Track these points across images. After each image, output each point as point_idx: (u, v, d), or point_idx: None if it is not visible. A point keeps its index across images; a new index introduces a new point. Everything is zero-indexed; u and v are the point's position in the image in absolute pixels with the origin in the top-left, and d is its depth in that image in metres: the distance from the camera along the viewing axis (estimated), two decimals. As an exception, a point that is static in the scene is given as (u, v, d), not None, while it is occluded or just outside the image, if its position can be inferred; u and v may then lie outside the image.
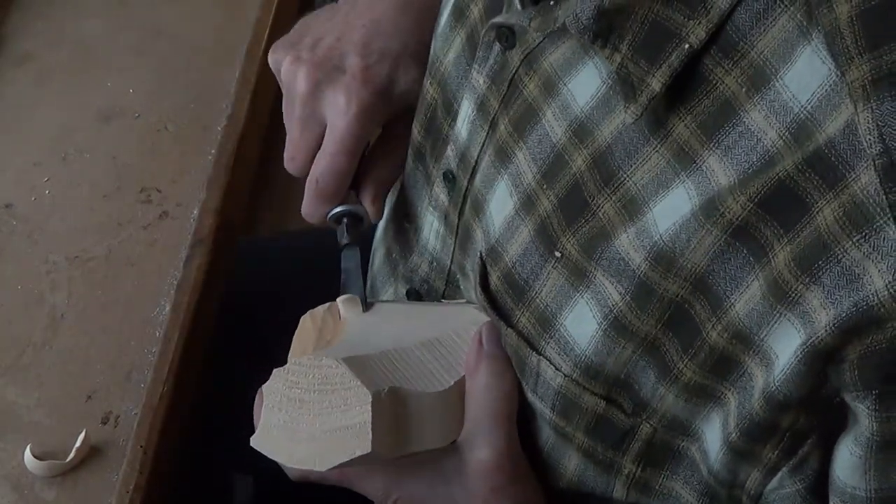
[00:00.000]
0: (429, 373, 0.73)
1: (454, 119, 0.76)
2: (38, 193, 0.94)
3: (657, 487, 0.70)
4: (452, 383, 0.72)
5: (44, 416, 0.83)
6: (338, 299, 0.81)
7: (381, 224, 0.91)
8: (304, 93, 0.82)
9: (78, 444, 0.80)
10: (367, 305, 0.81)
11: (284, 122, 0.85)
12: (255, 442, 0.71)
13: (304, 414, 0.70)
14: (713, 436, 0.66)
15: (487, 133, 0.73)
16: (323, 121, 0.82)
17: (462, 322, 0.75)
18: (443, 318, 0.77)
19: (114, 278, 0.90)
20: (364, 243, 0.85)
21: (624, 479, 0.70)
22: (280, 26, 1.04)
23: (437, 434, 0.72)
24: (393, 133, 0.85)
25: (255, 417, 0.74)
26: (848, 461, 0.61)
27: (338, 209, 0.84)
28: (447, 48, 0.78)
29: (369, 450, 0.67)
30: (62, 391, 0.84)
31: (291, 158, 0.84)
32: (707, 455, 0.66)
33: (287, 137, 0.84)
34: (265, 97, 0.93)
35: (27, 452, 0.80)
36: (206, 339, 0.91)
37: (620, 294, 0.64)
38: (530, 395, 0.71)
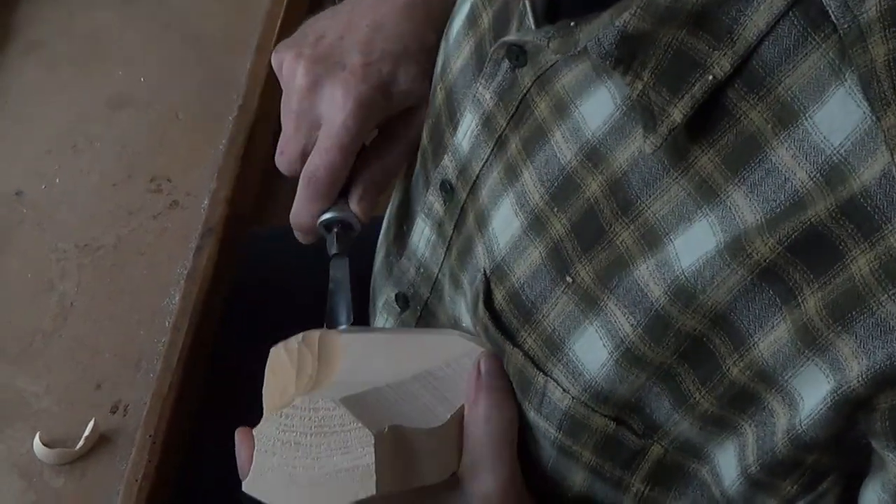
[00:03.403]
0: (424, 408, 0.72)
1: (455, 128, 0.76)
2: (47, 182, 0.94)
3: None
4: (448, 417, 0.72)
5: (53, 404, 0.83)
6: (313, 331, 0.79)
7: (384, 224, 0.91)
8: (303, 87, 0.81)
9: (87, 432, 0.80)
10: (351, 316, 0.80)
11: (281, 117, 0.84)
12: (247, 487, 0.71)
13: (301, 457, 0.69)
14: (726, 461, 0.65)
15: (493, 150, 0.72)
16: (319, 117, 0.81)
17: (452, 353, 0.75)
18: (430, 348, 0.76)
19: (123, 267, 0.90)
20: (354, 253, 0.84)
21: (632, 496, 0.70)
22: (291, 18, 1.04)
23: (437, 468, 0.71)
24: (390, 133, 0.84)
25: (238, 460, 0.72)
26: None
27: (328, 215, 0.82)
28: (458, 54, 0.78)
29: (374, 492, 0.67)
30: (71, 379, 0.84)
31: (282, 153, 0.83)
32: (720, 479, 0.66)
33: (281, 133, 0.83)
34: (276, 89, 0.93)
35: (36, 440, 0.80)
36: (215, 328, 0.91)
37: (633, 326, 0.63)
38: (533, 415, 0.70)
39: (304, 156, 0.82)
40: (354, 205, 0.83)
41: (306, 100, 0.81)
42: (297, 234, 0.84)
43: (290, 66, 0.82)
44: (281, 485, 0.70)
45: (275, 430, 0.70)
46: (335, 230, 0.83)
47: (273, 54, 0.86)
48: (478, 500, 0.71)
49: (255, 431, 0.71)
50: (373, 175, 0.83)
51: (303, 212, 0.82)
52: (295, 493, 0.69)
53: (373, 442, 0.67)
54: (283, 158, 0.83)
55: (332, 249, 0.83)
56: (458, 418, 0.72)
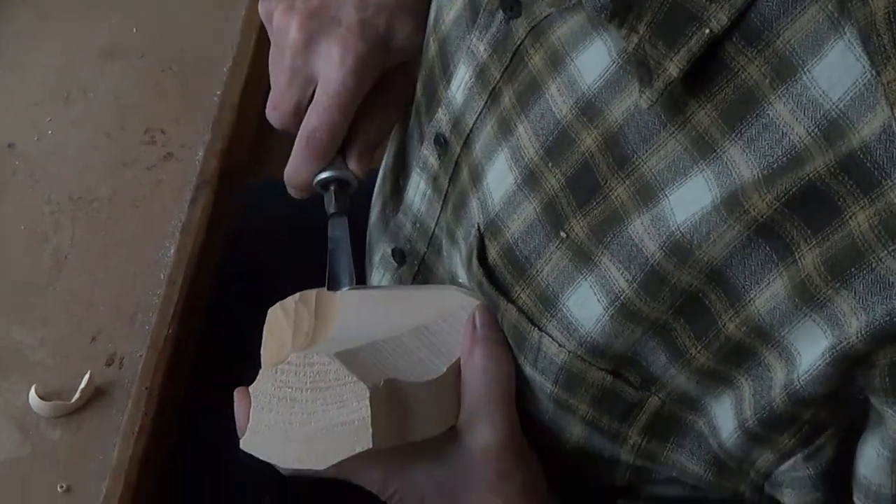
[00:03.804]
0: (420, 361, 0.72)
1: (449, 81, 0.75)
2: (40, 133, 0.94)
3: (662, 459, 0.70)
4: (445, 370, 0.72)
5: (48, 356, 0.82)
6: (310, 291, 0.79)
7: (379, 178, 0.90)
8: (297, 43, 0.80)
9: (82, 385, 0.80)
10: (353, 277, 0.79)
11: (270, 70, 0.83)
12: (245, 444, 0.71)
13: (297, 413, 0.69)
14: (723, 414, 0.65)
15: (486, 102, 0.71)
16: (314, 74, 0.80)
17: (447, 307, 0.75)
18: (426, 303, 0.76)
19: (118, 220, 0.89)
20: (352, 212, 0.83)
21: (630, 447, 0.70)
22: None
23: (434, 422, 0.71)
24: (386, 87, 0.83)
25: (237, 420, 0.73)
26: (874, 461, 0.61)
27: (325, 174, 0.81)
28: (450, 5, 0.77)
29: (370, 445, 0.67)
30: (66, 332, 0.84)
31: (274, 108, 0.82)
32: (717, 432, 0.66)
33: (272, 86, 0.82)
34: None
35: (32, 393, 0.80)
36: (211, 281, 0.90)
37: (628, 281, 0.63)
38: (529, 369, 0.70)
39: (297, 111, 0.81)
40: (353, 163, 0.82)
41: (300, 56, 0.80)
42: (291, 191, 0.83)
43: (282, 20, 0.81)
44: (278, 441, 0.70)
45: (270, 386, 0.70)
46: (332, 188, 0.82)
47: (260, 3, 0.84)
48: (476, 453, 0.71)
49: (251, 389, 0.71)
50: (370, 132, 0.82)
51: (300, 171, 0.81)
52: (292, 448, 0.69)
53: (368, 395, 0.67)
54: (276, 113, 0.82)
55: (331, 208, 0.82)
56: (455, 371, 0.72)
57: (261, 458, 0.71)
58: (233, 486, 0.90)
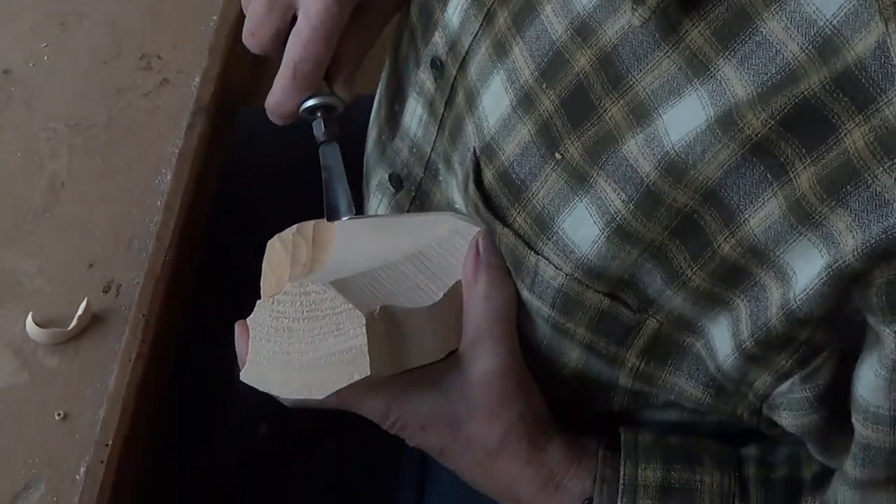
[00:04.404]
0: (416, 287, 0.72)
1: (445, 4, 0.74)
2: (36, 59, 0.93)
3: (660, 382, 0.70)
4: (441, 295, 0.71)
5: (45, 283, 0.82)
6: (308, 222, 0.78)
7: (375, 104, 0.89)
8: None
9: (80, 312, 0.80)
10: (351, 205, 0.78)
11: None
12: (244, 376, 0.71)
13: (295, 343, 0.69)
14: (720, 336, 0.65)
15: (482, 24, 0.71)
16: (295, 0, 0.78)
17: (442, 232, 0.74)
18: (420, 229, 0.76)
19: (114, 146, 0.89)
20: (343, 139, 0.81)
21: (627, 371, 0.70)
22: None
23: (433, 348, 0.71)
24: (368, 6, 0.81)
25: (238, 352, 0.73)
26: (872, 382, 0.61)
27: (311, 101, 0.79)
28: None
29: (368, 373, 0.67)
30: (63, 259, 0.83)
31: (252, 34, 0.80)
32: (714, 353, 0.66)
33: (249, 10, 0.80)
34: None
35: (29, 320, 0.80)
36: (208, 208, 0.90)
37: (623, 201, 0.63)
38: (526, 293, 0.70)
39: (277, 37, 0.79)
40: (339, 88, 0.80)
41: None
42: (274, 118, 0.81)
43: None
44: (277, 372, 0.70)
45: (268, 317, 0.70)
46: (319, 114, 0.80)
47: None
48: (477, 379, 0.72)
49: (248, 321, 0.70)
50: (353, 55, 0.81)
51: (286, 100, 0.79)
52: (291, 379, 0.69)
53: (364, 322, 0.67)
54: (255, 41, 0.80)
55: (321, 137, 0.80)
56: (452, 297, 0.72)
57: (260, 389, 0.71)
58: (230, 413, 0.90)
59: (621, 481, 0.72)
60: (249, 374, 0.71)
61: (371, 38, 0.82)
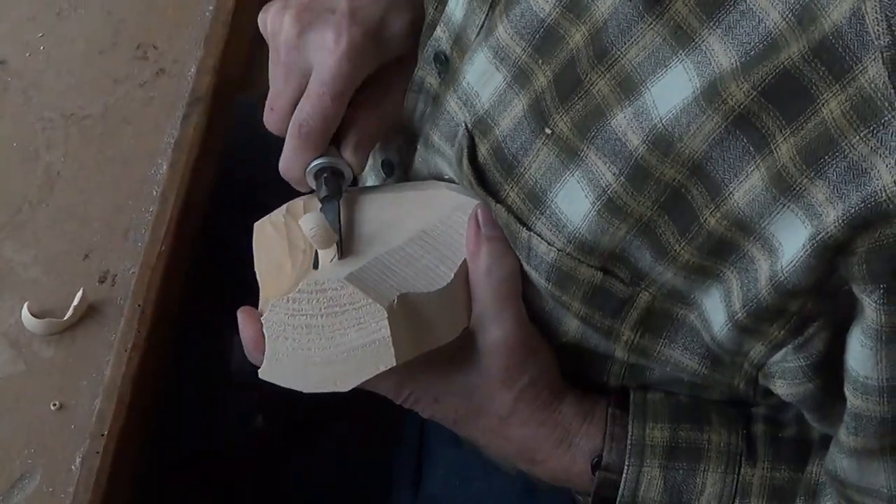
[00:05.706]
0: (426, 269, 0.72)
1: (440, 2, 0.74)
2: (32, 49, 0.93)
3: (656, 354, 0.71)
4: (452, 276, 0.72)
5: (41, 273, 0.82)
6: (296, 201, 0.77)
7: None
8: (291, 36, 0.76)
9: (75, 302, 0.80)
10: (342, 253, 0.75)
11: (269, 76, 0.78)
12: (264, 374, 0.71)
13: (315, 339, 0.69)
14: (713, 307, 0.66)
15: (487, 14, 0.71)
16: (308, 65, 0.76)
17: (444, 208, 0.74)
18: (420, 205, 0.76)
19: (110, 136, 0.89)
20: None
21: (623, 343, 0.71)
22: None
23: (449, 327, 0.72)
24: (382, 82, 0.79)
25: (243, 338, 0.72)
26: (860, 352, 0.62)
27: (318, 161, 0.77)
28: None
29: (394, 363, 0.68)
30: (59, 249, 0.83)
31: (271, 109, 0.78)
32: (709, 325, 0.67)
33: (270, 81, 0.78)
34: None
35: (24, 310, 0.80)
36: (203, 198, 0.90)
37: (614, 175, 0.63)
38: (525, 266, 0.71)
39: (293, 110, 0.77)
40: (349, 155, 0.78)
41: (294, 49, 0.76)
42: (289, 180, 0.79)
43: (276, 18, 0.77)
44: (298, 367, 0.70)
45: (284, 315, 0.70)
46: (324, 176, 0.77)
47: (259, 15, 0.80)
48: (487, 350, 0.73)
49: (263, 320, 0.70)
50: (367, 125, 0.78)
51: (293, 163, 0.77)
52: (313, 373, 0.70)
53: (386, 316, 0.68)
54: (274, 116, 0.78)
55: (322, 193, 0.77)
56: (462, 275, 0.73)
57: (282, 385, 0.71)
58: (226, 404, 0.90)
59: (629, 441, 0.73)
60: (269, 372, 0.71)
61: (388, 114, 0.80)
